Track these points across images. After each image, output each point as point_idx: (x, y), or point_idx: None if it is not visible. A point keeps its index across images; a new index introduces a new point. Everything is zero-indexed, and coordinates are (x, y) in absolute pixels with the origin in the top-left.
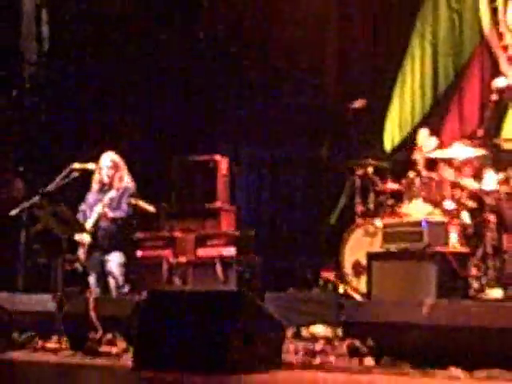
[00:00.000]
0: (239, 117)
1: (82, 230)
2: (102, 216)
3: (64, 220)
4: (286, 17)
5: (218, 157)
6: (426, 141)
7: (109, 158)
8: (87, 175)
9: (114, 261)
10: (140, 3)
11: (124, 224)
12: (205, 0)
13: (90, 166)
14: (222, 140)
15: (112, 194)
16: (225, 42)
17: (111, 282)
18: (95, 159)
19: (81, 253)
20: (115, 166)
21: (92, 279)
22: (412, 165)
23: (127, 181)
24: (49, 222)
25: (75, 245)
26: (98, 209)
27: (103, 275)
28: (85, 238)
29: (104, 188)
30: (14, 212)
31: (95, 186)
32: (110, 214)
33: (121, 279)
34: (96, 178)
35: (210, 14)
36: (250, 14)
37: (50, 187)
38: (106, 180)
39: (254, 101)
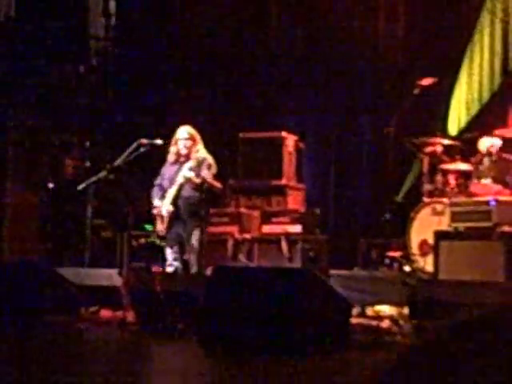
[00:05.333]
0: (305, 94)
1: (150, 204)
2: (185, 183)
3: (131, 194)
4: None
5: (284, 133)
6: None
7: (186, 130)
8: (154, 151)
9: (194, 234)
10: None
11: (205, 193)
12: None
13: (158, 141)
14: (288, 117)
15: (191, 163)
16: (292, 19)
17: (191, 257)
18: (160, 135)
19: (159, 226)
20: (192, 138)
21: (169, 253)
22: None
23: (204, 154)
24: (115, 197)
25: (140, 220)
26: (183, 174)
27: (181, 248)
28: (164, 209)
29: (180, 159)
30: (80, 187)
31: (171, 158)
32: (196, 180)
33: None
34: (173, 150)
35: None
36: None
37: (117, 162)
38: (183, 152)
39: (320, 77)
